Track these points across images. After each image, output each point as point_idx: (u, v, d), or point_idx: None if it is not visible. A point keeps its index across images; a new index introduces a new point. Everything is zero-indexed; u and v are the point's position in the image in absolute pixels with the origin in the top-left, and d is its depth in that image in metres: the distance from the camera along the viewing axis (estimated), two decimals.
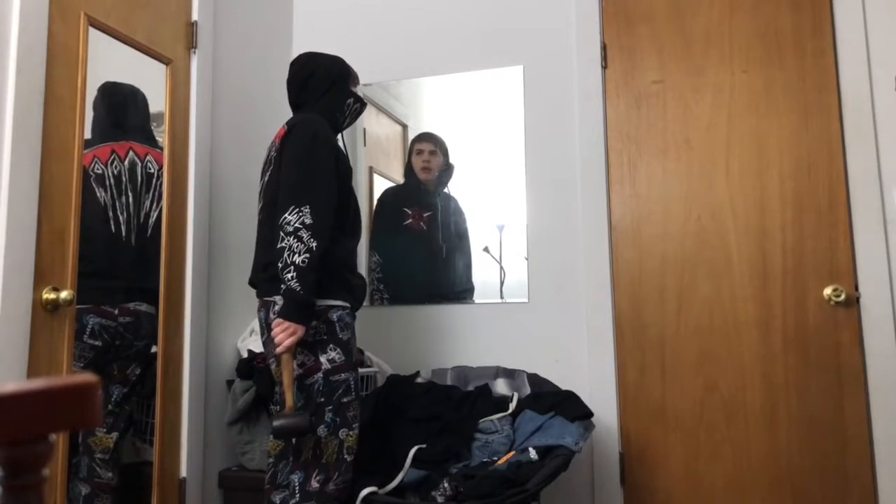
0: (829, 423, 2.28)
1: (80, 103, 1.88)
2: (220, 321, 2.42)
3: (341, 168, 1.97)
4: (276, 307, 1.85)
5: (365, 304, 2.52)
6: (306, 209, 1.81)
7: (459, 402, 2.23)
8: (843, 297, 2.27)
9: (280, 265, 1.79)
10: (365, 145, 2.85)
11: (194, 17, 2.36)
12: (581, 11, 2.63)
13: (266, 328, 1.91)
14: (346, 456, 1.86)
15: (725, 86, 2.49)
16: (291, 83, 2.12)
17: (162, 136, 2.21)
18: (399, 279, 2.70)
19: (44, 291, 1.74)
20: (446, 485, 1.89)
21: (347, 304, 1.95)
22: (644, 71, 2.58)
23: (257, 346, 2.39)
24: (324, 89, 2.08)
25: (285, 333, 1.78)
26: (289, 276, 1.78)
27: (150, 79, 2.18)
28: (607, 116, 2.59)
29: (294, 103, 2.12)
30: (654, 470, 2.42)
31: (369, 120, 2.86)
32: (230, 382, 2.38)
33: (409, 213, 2.69)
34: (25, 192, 1.70)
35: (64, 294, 1.76)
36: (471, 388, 2.35)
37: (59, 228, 1.81)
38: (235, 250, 2.53)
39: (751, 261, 2.39)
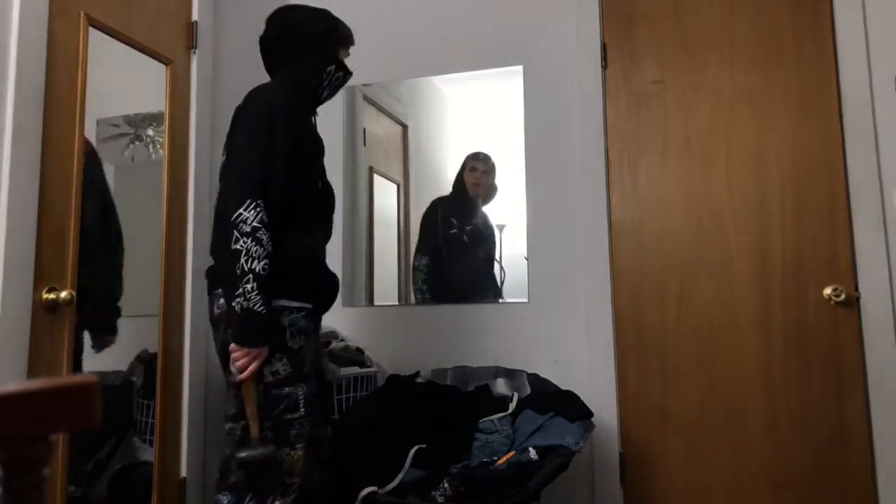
0: (829, 423, 2.27)
1: (80, 103, 1.88)
2: None
3: (307, 150, 1.72)
4: (221, 301, 1.65)
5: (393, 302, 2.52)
6: (263, 204, 1.57)
7: (459, 402, 2.23)
8: (843, 297, 2.27)
9: (237, 271, 1.55)
10: (365, 145, 2.85)
11: (194, 17, 2.36)
12: (581, 11, 2.63)
13: (211, 324, 1.73)
14: (286, 479, 1.62)
15: (725, 86, 2.48)
16: (264, 41, 1.83)
17: (162, 136, 2.21)
18: (440, 283, 2.73)
19: (44, 291, 1.74)
20: (446, 485, 1.88)
21: (305, 306, 1.69)
22: (644, 71, 2.57)
23: None
24: (300, 50, 1.78)
25: (248, 359, 1.56)
26: (248, 287, 1.53)
27: (150, 79, 2.18)
28: (607, 116, 2.59)
29: (268, 68, 1.85)
30: (654, 470, 2.41)
31: (369, 120, 2.86)
32: None
33: (456, 223, 2.71)
34: (25, 192, 1.70)
35: (64, 294, 1.76)
36: (471, 388, 2.35)
37: (59, 228, 1.80)
38: None
39: (751, 261, 2.39)
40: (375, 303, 2.77)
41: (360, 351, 2.56)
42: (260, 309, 1.54)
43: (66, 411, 0.56)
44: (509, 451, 2.03)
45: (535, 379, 2.35)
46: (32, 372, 1.70)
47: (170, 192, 2.21)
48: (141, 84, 2.15)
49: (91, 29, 1.93)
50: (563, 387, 2.32)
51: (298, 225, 1.70)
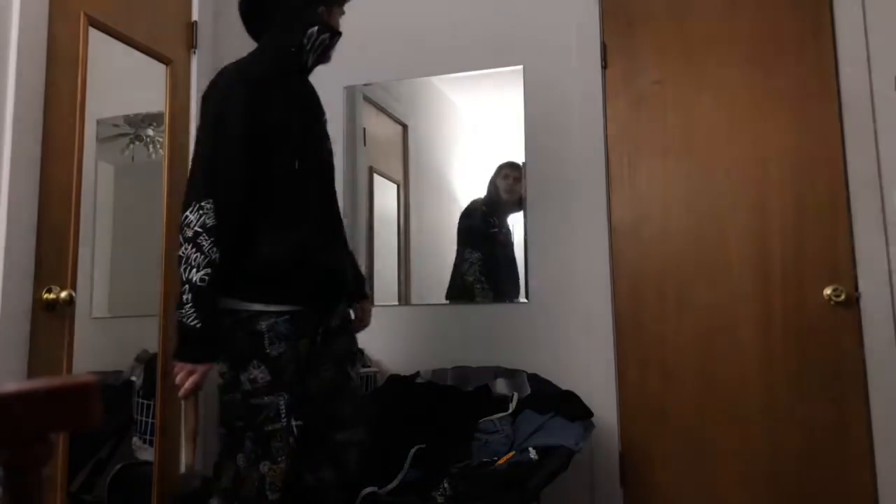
0: (829, 423, 2.27)
1: (80, 103, 1.88)
2: None
3: (280, 130, 1.56)
4: None
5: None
6: (209, 205, 1.43)
7: (459, 403, 2.23)
8: (843, 297, 2.27)
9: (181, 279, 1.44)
10: (365, 145, 2.85)
11: (194, 17, 2.36)
12: (581, 11, 2.63)
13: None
14: (268, 493, 1.51)
15: (725, 86, 2.48)
16: (242, 5, 1.68)
17: (162, 136, 2.21)
18: (491, 278, 2.74)
19: (44, 291, 1.74)
20: (446, 485, 1.88)
21: (285, 309, 1.53)
22: (644, 71, 2.57)
23: None
24: (278, 13, 1.62)
25: (183, 374, 1.46)
26: (184, 298, 1.41)
27: (150, 79, 2.18)
28: (607, 116, 2.59)
29: (254, 37, 1.70)
30: (654, 470, 2.41)
31: (369, 120, 2.86)
32: None
33: (495, 223, 2.75)
34: (25, 192, 1.70)
35: (64, 294, 1.76)
36: (471, 388, 2.35)
37: (59, 228, 1.80)
38: None
39: (751, 261, 2.39)
40: (375, 303, 2.76)
41: (360, 351, 2.56)
42: (193, 323, 1.41)
43: (66, 411, 0.56)
44: (509, 451, 2.03)
45: (535, 379, 2.35)
46: (32, 372, 1.70)
47: (170, 192, 2.21)
48: (141, 84, 2.15)
49: (91, 29, 1.93)
50: (563, 387, 2.32)
51: (275, 219, 1.55)
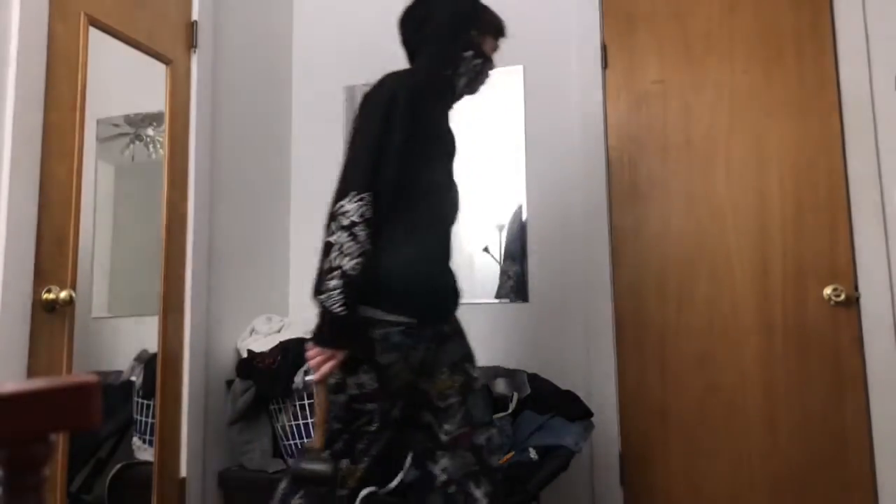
0: (829, 423, 2.27)
1: (80, 103, 1.88)
2: (220, 321, 2.42)
3: (429, 147, 1.56)
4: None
5: None
6: (369, 197, 1.44)
7: None
8: (843, 297, 2.27)
9: (325, 266, 1.43)
10: None
11: (194, 17, 2.36)
12: (581, 11, 2.63)
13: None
14: (337, 491, 1.53)
15: (725, 86, 2.48)
16: (403, 23, 1.69)
17: (162, 136, 2.21)
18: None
19: (43, 291, 1.74)
20: None
21: (402, 320, 1.49)
22: (644, 71, 2.58)
23: (257, 346, 2.39)
24: (436, 34, 1.62)
25: (321, 358, 1.45)
26: (332, 285, 1.40)
27: (150, 79, 2.18)
28: (607, 116, 2.59)
29: (409, 56, 1.70)
30: (654, 470, 2.41)
31: None
32: (230, 382, 2.38)
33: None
34: (25, 192, 1.70)
35: (63, 294, 1.76)
36: None
37: (59, 228, 1.80)
38: (236, 250, 2.52)
39: (751, 260, 2.39)
40: None
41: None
42: (339, 310, 1.40)
43: (66, 411, 0.56)
44: (509, 451, 2.03)
45: (535, 379, 2.35)
46: (32, 372, 1.70)
47: (170, 192, 2.21)
48: (141, 84, 2.15)
49: (91, 29, 1.93)
50: (563, 387, 2.32)
51: (409, 228, 1.53)
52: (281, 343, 2.35)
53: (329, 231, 1.44)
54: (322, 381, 1.47)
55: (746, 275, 2.39)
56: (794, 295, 2.34)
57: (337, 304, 1.40)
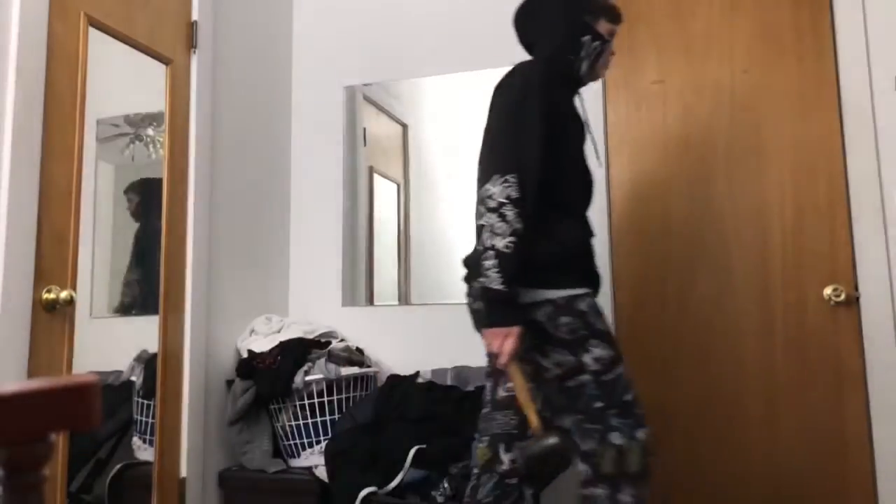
0: (829, 423, 2.27)
1: (80, 103, 1.88)
2: (220, 321, 2.42)
3: (565, 129, 1.61)
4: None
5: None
6: (513, 178, 1.47)
7: (459, 402, 2.23)
8: (843, 297, 2.27)
9: (479, 248, 1.47)
10: (365, 145, 2.85)
11: (194, 17, 2.36)
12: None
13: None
14: (633, 466, 1.55)
15: (725, 86, 2.48)
16: (518, 20, 1.74)
17: (162, 136, 2.21)
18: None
19: (43, 291, 1.74)
20: (446, 485, 1.89)
21: (587, 290, 1.57)
22: (644, 71, 2.57)
23: (257, 346, 2.39)
24: (551, 23, 1.67)
25: (499, 341, 1.45)
26: (488, 265, 1.44)
27: (150, 79, 2.18)
28: (607, 116, 2.59)
29: (526, 47, 1.75)
30: (653, 470, 2.41)
31: (369, 120, 2.86)
32: (230, 382, 2.37)
33: None
34: (25, 192, 1.70)
35: (64, 294, 1.76)
36: (471, 388, 2.35)
37: (59, 228, 1.80)
38: (236, 250, 2.52)
39: (751, 260, 2.39)
40: (375, 303, 2.77)
41: (360, 351, 2.56)
42: (499, 287, 1.43)
43: (66, 411, 0.56)
44: None
45: None
46: (32, 372, 1.70)
47: (170, 192, 2.21)
48: (141, 84, 2.15)
49: (91, 29, 1.93)
50: None
51: (562, 208, 1.59)
52: (281, 343, 2.35)
53: (478, 214, 1.49)
54: (511, 362, 1.46)
55: (746, 275, 2.39)
56: (793, 295, 2.34)
57: (496, 282, 1.43)
